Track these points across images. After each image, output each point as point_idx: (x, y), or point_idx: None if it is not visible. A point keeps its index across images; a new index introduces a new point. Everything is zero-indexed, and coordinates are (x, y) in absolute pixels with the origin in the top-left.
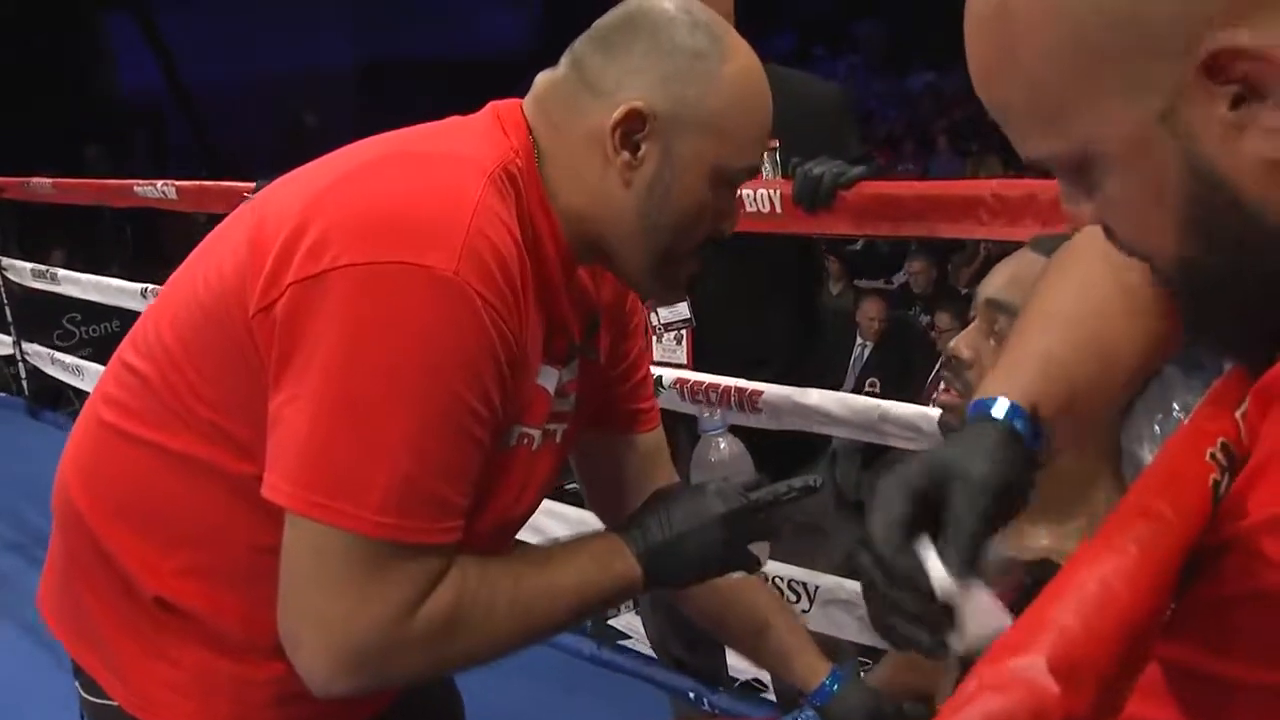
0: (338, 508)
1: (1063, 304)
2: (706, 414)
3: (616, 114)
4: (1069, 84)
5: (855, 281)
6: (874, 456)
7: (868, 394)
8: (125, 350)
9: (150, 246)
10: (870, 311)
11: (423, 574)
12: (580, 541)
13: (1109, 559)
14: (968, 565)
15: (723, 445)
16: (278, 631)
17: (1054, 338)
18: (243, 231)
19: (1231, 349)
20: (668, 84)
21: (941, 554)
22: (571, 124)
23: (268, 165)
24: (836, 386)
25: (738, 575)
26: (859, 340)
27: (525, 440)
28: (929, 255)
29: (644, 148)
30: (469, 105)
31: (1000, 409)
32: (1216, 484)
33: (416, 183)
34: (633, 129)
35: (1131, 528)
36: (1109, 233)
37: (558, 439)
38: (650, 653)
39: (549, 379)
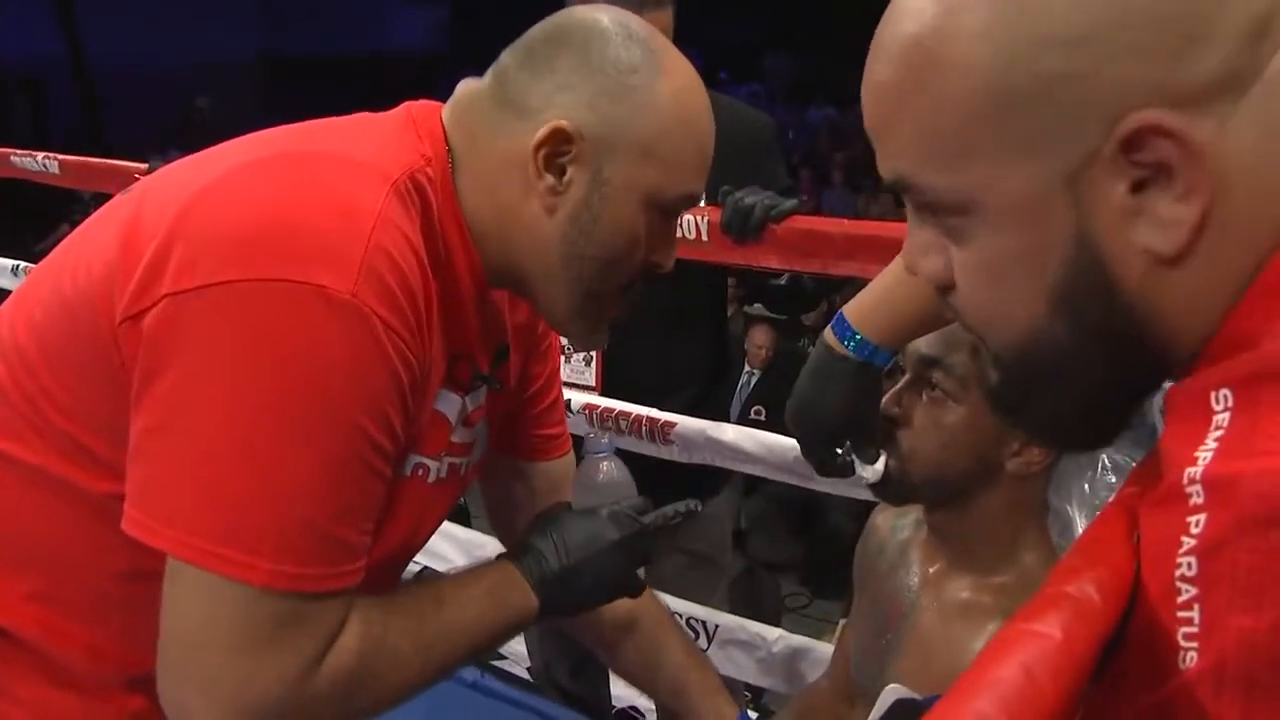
0: (227, 555)
1: None
2: (593, 434)
3: (540, 133)
4: (974, 130)
5: (745, 308)
6: (756, 483)
7: (753, 421)
8: None
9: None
10: (758, 339)
11: (325, 624)
12: (475, 574)
13: (1033, 643)
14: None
15: (607, 467)
16: (137, 666)
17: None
18: (116, 227)
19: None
20: (597, 102)
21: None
22: (491, 141)
23: (157, 152)
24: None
25: (634, 603)
26: (746, 368)
27: (420, 471)
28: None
29: (570, 171)
30: (372, 103)
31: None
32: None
33: (310, 189)
34: (558, 151)
35: (1057, 609)
36: (945, 292)
37: (462, 471)
38: (527, 677)
39: (450, 406)
